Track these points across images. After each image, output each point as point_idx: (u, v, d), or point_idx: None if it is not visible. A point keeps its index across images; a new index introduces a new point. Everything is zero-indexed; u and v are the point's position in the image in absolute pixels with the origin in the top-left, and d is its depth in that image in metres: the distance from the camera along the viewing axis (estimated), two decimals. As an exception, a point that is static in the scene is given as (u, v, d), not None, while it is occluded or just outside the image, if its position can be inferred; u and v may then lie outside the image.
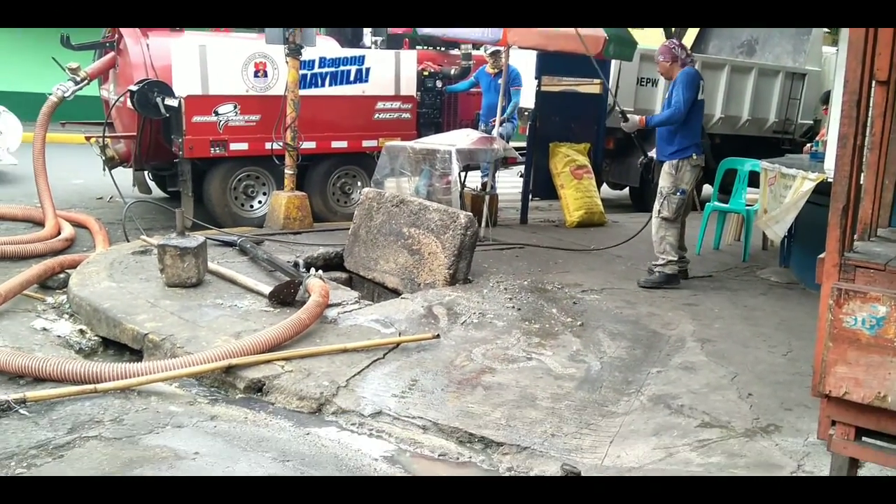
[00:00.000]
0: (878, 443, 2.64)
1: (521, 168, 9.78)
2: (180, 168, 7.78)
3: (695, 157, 6.19)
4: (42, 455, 3.23)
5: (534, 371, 4.36)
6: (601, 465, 3.36)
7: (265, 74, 7.83)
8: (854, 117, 2.54)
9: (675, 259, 6.27)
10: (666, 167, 6.30)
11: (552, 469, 3.37)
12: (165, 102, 7.41)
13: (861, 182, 3.04)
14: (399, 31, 9.83)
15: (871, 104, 2.71)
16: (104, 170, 8.17)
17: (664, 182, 6.29)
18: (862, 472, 3.07)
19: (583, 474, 3.27)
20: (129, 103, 7.61)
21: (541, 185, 9.29)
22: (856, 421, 2.62)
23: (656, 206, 6.35)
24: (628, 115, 6.52)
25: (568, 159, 8.96)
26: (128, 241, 6.78)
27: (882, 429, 2.58)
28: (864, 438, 2.70)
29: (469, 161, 7.70)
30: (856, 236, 3.03)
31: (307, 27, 7.21)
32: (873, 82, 2.87)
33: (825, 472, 2.79)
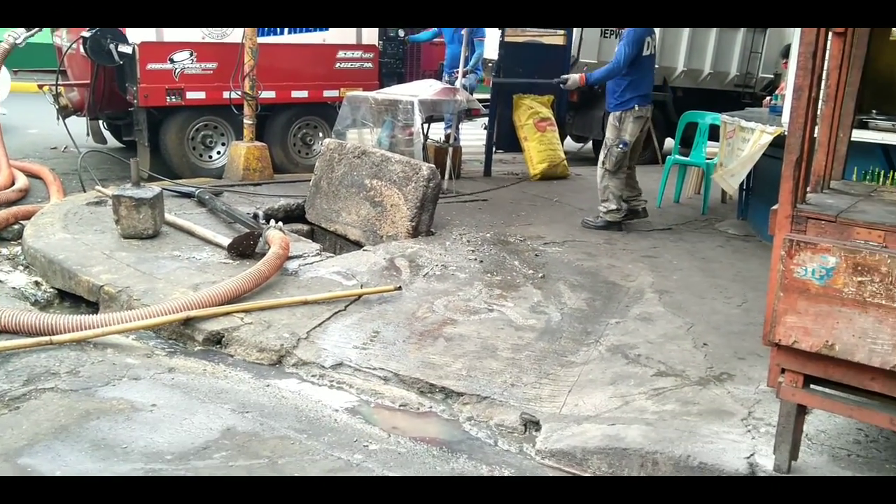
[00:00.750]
0: (825, 390, 2.72)
1: (486, 120, 9.72)
2: (135, 117, 7.60)
3: (637, 108, 6.32)
4: (-3, 407, 3.19)
5: (495, 322, 4.39)
6: (559, 413, 3.42)
7: (222, 21, 7.61)
8: (809, 69, 2.55)
9: (616, 208, 6.50)
10: (610, 119, 6.49)
11: (512, 418, 3.42)
12: (119, 49, 7.21)
13: (815, 135, 3.08)
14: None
15: (826, 56, 2.73)
16: (58, 119, 7.95)
17: (609, 133, 6.50)
18: (809, 419, 3.17)
19: (541, 421, 3.34)
20: (81, 50, 7.39)
21: (504, 137, 9.27)
22: (804, 369, 2.70)
23: (601, 156, 6.59)
24: (567, 77, 6.60)
25: (531, 111, 8.93)
26: (84, 192, 6.63)
27: (829, 376, 2.66)
28: (812, 386, 2.78)
29: (432, 112, 7.62)
30: (809, 189, 3.08)
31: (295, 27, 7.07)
32: (829, 34, 2.89)
33: (774, 419, 2.86)
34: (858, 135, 5.09)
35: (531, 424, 3.38)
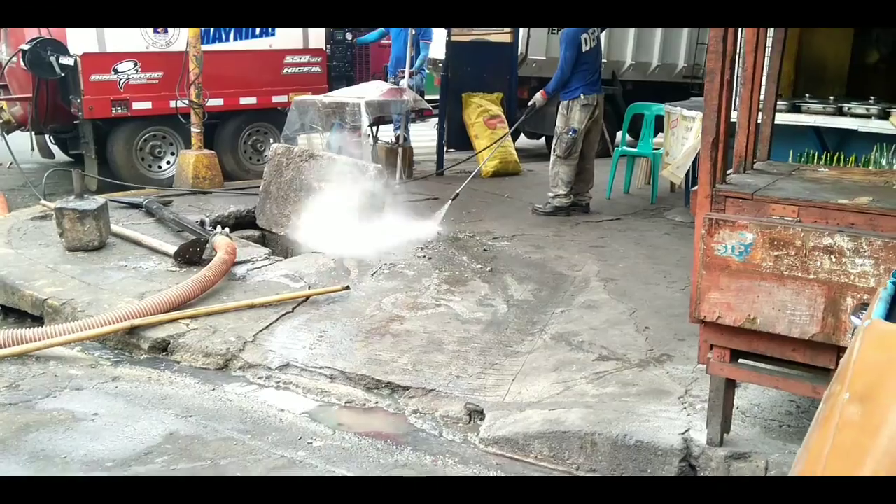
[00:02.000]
0: (751, 363, 2.80)
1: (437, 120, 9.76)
2: (81, 130, 7.53)
3: (582, 96, 6.67)
4: (-68, 425, 3.15)
5: (442, 317, 4.42)
6: (503, 402, 3.46)
7: (165, 30, 7.57)
8: (720, 52, 2.63)
9: (564, 193, 6.79)
10: (560, 108, 6.84)
11: (456, 408, 3.46)
12: (60, 61, 7.13)
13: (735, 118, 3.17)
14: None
15: (738, 41, 2.80)
16: (0, 134, 7.82)
17: (558, 122, 6.85)
18: (744, 394, 3.25)
19: (485, 410, 3.38)
20: (22, 63, 7.28)
21: (455, 135, 9.31)
22: (730, 343, 2.77)
23: (553, 144, 6.93)
24: (533, 100, 6.96)
25: (481, 109, 8.99)
26: (28, 207, 6.55)
27: (754, 349, 2.73)
28: (740, 361, 2.86)
29: (379, 113, 7.64)
30: (732, 170, 3.16)
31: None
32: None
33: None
34: (792, 118, 5.25)
35: (476, 414, 3.42)
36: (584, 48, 6.59)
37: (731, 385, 2.87)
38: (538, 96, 6.89)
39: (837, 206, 2.57)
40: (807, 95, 5.48)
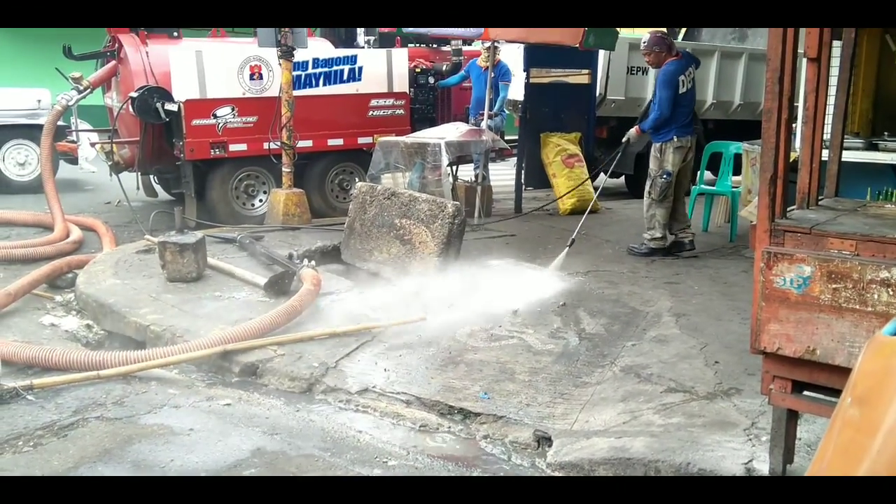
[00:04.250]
0: (813, 395, 2.85)
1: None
2: (182, 170, 8.05)
3: (676, 139, 6.61)
4: (47, 435, 3.49)
5: (515, 348, 4.57)
6: (570, 429, 3.58)
7: (260, 77, 8.07)
8: (777, 93, 2.74)
9: (661, 236, 6.74)
10: (652, 151, 6.81)
11: (525, 435, 3.60)
12: (165, 107, 7.68)
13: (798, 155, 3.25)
14: (389, 29, 10.05)
15: (796, 80, 2.91)
16: (111, 175, 8.45)
17: (652, 165, 6.80)
18: (811, 427, 3.28)
19: (552, 437, 3.50)
20: (130, 109, 7.89)
21: (533, 174, 9.50)
22: (791, 375, 2.84)
23: (647, 187, 6.87)
24: (628, 134, 6.98)
25: (559, 149, 9.16)
26: (133, 242, 7.05)
27: (814, 381, 2.79)
28: (804, 393, 2.91)
29: (459, 153, 7.92)
30: (796, 206, 3.24)
31: (297, 27, 7.43)
32: (804, 59, 3.08)
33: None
34: (870, 156, 5.23)
35: (544, 440, 3.55)
36: (681, 89, 6.58)
37: (792, 416, 2.93)
38: (632, 131, 6.93)
39: (894, 240, 2.63)
40: (885, 133, 5.45)
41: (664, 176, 6.65)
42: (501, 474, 3.32)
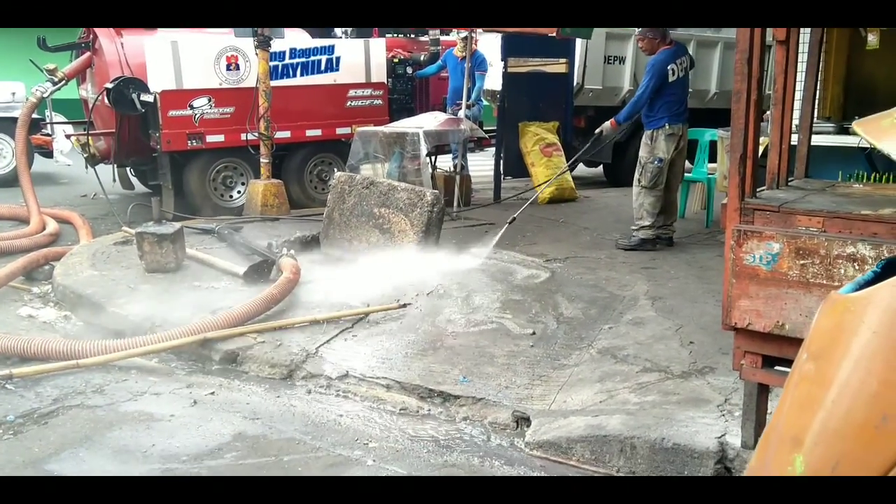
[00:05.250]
0: (782, 369, 2.92)
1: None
2: (159, 162, 8.02)
3: (668, 126, 6.52)
4: (28, 423, 3.50)
5: (494, 333, 4.62)
6: (549, 409, 3.64)
7: (237, 67, 8.06)
8: (746, 74, 2.80)
9: (649, 225, 6.61)
10: (644, 138, 6.70)
11: (504, 416, 3.65)
12: (141, 98, 7.64)
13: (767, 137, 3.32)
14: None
15: (764, 62, 2.97)
16: (87, 167, 8.40)
17: (642, 151, 6.68)
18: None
19: (531, 417, 3.55)
20: (106, 101, 7.84)
21: (512, 164, 9.55)
22: (762, 350, 2.90)
23: (636, 174, 6.73)
24: (600, 129, 6.83)
25: (537, 138, 9.22)
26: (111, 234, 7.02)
27: (783, 355, 2.85)
28: (776, 368, 2.98)
29: (437, 142, 7.95)
30: (766, 186, 3.31)
31: (277, 27, 7.43)
32: (774, 42, 3.15)
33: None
34: (841, 140, 5.32)
35: (522, 421, 3.60)
36: (671, 78, 6.48)
37: (763, 390, 2.99)
38: (607, 125, 6.74)
39: (860, 216, 2.70)
40: (856, 118, 5.53)
41: (655, 162, 6.52)
42: (480, 454, 3.37)
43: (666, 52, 6.51)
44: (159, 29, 8.41)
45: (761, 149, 6.06)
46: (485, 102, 9.23)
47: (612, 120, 6.76)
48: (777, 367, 2.96)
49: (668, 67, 6.49)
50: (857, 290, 1.39)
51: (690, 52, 11.18)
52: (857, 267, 2.58)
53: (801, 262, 2.69)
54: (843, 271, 2.62)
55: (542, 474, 3.19)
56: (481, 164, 11.38)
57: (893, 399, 1.13)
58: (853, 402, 1.18)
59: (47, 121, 9.74)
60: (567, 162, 9.31)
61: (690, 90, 11.29)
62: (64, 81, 7.91)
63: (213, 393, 3.92)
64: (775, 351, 2.86)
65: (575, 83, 10.17)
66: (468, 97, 8.33)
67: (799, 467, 1.22)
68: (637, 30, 6.74)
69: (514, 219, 6.41)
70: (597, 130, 6.90)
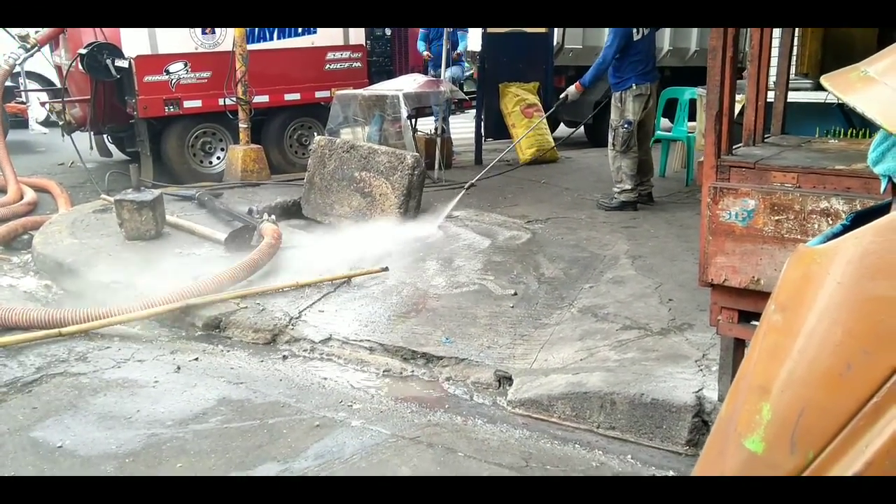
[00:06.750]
0: (757, 323, 2.96)
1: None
2: (136, 128, 7.93)
3: (634, 86, 6.45)
4: (11, 392, 3.50)
5: (476, 294, 4.65)
6: (530, 368, 3.68)
7: (213, 31, 7.93)
8: (721, 31, 2.80)
9: (630, 188, 6.58)
10: (613, 100, 6.63)
11: (486, 375, 3.69)
12: (116, 64, 7.52)
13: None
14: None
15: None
16: (63, 135, 8.29)
17: (613, 115, 6.63)
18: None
19: (513, 376, 3.60)
20: (80, 67, 7.71)
21: (493, 125, 9.51)
22: (737, 305, 2.95)
23: (609, 138, 6.68)
24: (565, 93, 6.76)
25: (518, 99, 9.18)
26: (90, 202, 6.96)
27: (759, 310, 2.86)
28: (752, 322, 3.03)
29: (418, 104, 7.90)
30: (742, 143, 3.33)
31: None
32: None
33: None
34: (818, 96, 5.34)
35: (505, 380, 3.65)
36: (636, 36, 6.34)
37: (739, 345, 3.04)
38: (572, 88, 6.69)
39: (834, 171, 2.73)
40: (834, 74, 5.55)
41: (625, 125, 6.46)
42: (463, 413, 3.41)
43: None
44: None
45: (738, 106, 6.06)
46: (466, 64, 9.15)
47: (577, 83, 6.66)
48: (753, 322, 3.01)
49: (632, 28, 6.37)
50: (825, 242, 1.42)
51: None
52: (830, 221, 2.62)
53: (776, 217, 2.72)
54: (817, 226, 2.65)
55: (524, 431, 3.24)
56: (462, 126, 11.32)
57: (857, 348, 1.16)
58: (819, 351, 1.21)
59: (21, 88, 9.57)
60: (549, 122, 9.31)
61: (671, 48, 11.44)
62: (36, 48, 7.76)
63: (196, 359, 3.93)
64: (751, 306, 2.91)
65: (555, 43, 10.10)
66: (448, 60, 8.27)
67: (766, 415, 1.25)
68: None
69: (473, 184, 6.28)
70: (562, 95, 6.84)
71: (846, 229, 1.50)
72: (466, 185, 6.35)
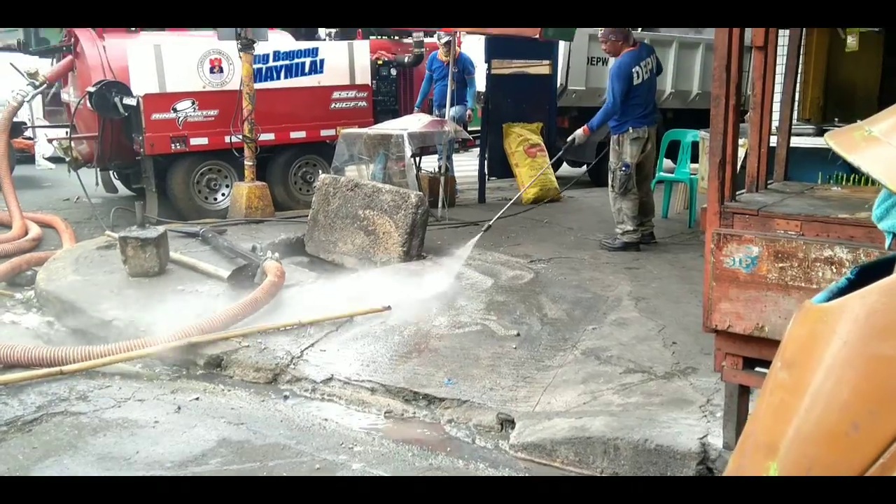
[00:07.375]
0: (762, 370, 2.95)
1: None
2: (143, 165, 7.99)
3: (631, 129, 6.52)
4: (11, 431, 3.48)
5: (478, 335, 4.64)
6: (533, 411, 3.66)
7: (221, 70, 8.03)
8: (724, 80, 2.83)
9: (632, 229, 6.60)
10: (611, 143, 6.71)
11: (489, 418, 3.67)
12: (124, 102, 7.61)
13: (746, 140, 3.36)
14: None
15: (742, 68, 3.00)
16: (69, 171, 8.35)
17: (611, 158, 6.69)
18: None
19: (515, 419, 3.58)
20: (88, 104, 7.80)
21: (496, 164, 9.58)
22: (742, 351, 2.94)
23: (609, 180, 6.75)
24: (573, 136, 6.81)
25: (521, 139, 9.25)
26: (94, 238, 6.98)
27: (763, 357, 2.89)
28: (756, 369, 3.02)
29: (422, 144, 7.96)
30: (745, 189, 3.35)
31: (262, 27, 7.41)
32: (753, 48, 3.18)
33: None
34: (820, 142, 5.38)
35: (507, 423, 3.62)
36: (636, 81, 6.45)
37: (744, 391, 3.03)
38: (579, 132, 6.71)
39: (837, 220, 2.74)
40: (836, 120, 5.61)
41: (623, 168, 6.52)
42: (465, 457, 3.39)
43: (629, 55, 6.51)
44: (141, 31, 8.40)
45: (742, 151, 6.11)
46: (471, 103, 9.22)
47: (585, 127, 6.71)
48: (757, 369, 3.00)
49: (633, 70, 6.46)
50: (830, 297, 1.42)
51: (672, 54, 11.39)
52: (834, 270, 2.62)
53: (780, 265, 2.72)
54: (820, 274, 2.65)
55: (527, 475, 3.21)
56: (466, 165, 11.39)
57: (863, 408, 1.16)
58: (825, 411, 1.21)
59: (29, 124, 9.66)
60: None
61: (672, 91, 11.55)
62: (45, 85, 7.86)
63: (197, 398, 3.92)
64: (755, 353, 2.90)
65: (558, 84, 10.21)
66: (455, 99, 8.35)
67: (773, 473, 1.24)
68: (600, 33, 6.73)
69: (490, 226, 6.26)
70: (569, 138, 6.89)
71: (851, 283, 1.51)
72: (485, 227, 6.25)
